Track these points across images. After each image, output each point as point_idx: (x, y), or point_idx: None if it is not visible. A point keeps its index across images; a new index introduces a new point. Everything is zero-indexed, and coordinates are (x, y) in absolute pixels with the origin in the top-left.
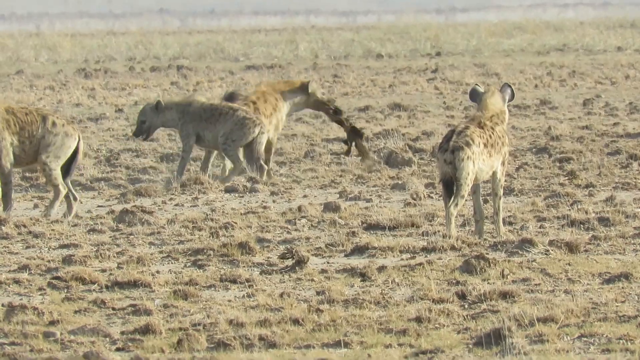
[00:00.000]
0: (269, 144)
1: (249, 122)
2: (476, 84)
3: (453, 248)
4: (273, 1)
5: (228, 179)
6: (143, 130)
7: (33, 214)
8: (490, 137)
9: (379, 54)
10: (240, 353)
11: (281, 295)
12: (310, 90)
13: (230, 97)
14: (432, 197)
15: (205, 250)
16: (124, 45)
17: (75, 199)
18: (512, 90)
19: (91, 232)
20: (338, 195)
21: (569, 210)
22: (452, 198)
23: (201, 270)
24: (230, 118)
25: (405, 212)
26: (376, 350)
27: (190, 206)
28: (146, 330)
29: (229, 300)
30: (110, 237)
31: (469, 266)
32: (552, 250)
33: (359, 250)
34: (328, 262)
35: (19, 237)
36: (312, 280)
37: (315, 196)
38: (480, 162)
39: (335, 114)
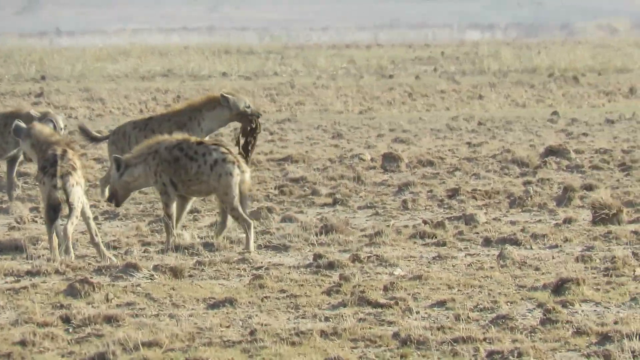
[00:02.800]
0: None
1: None
2: (17, 121)
3: (57, 272)
4: None
5: None
6: None
7: None
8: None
9: None
10: None
11: None
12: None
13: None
14: (36, 221)
15: None
16: None
17: None
18: (54, 123)
19: None
20: None
21: None
22: (68, 219)
23: None
24: None
25: (10, 236)
26: None
27: None
28: None
29: None
30: None
31: (74, 290)
32: (156, 274)
33: None
34: None
35: None
36: None
37: None
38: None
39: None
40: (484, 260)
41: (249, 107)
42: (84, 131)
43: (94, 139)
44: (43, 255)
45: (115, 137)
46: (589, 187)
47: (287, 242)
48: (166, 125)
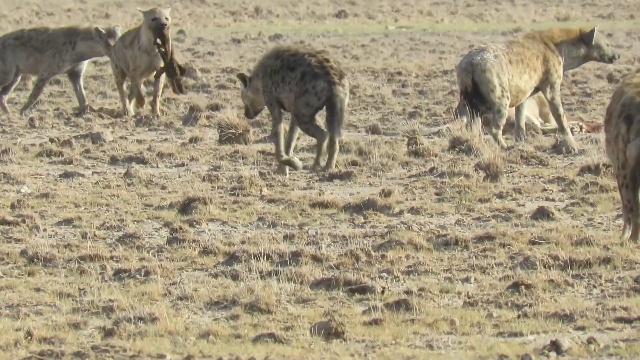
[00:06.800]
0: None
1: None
2: None
3: None
4: None
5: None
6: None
7: None
8: None
9: None
10: None
11: None
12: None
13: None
14: None
15: None
16: None
17: None
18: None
19: None
20: None
21: None
22: None
23: None
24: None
25: None
26: None
27: None
28: None
29: None
30: None
31: None
32: None
33: None
34: None
35: None
36: None
37: None
38: None
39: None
40: (110, 179)
41: (154, 19)
42: None
43: None
44: None
45: None
46: (215, 107)
47: None
48: None
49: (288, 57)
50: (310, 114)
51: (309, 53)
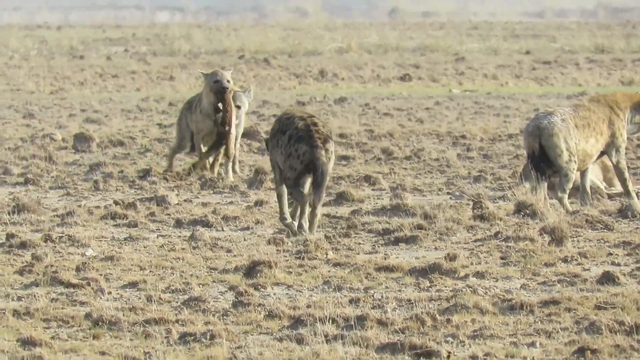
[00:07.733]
0: None
1: None
2: None
3: None
4: None
5: None
6: None
7: None
8: None
9: None
10: None
11: None
12: None
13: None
14: None
15: None
16: None
17: None
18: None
19: None
20: None
21: None
22: None
23: None
24: None
25: None
26: None
27: None
28: None
29: None
30: None
31: None
32: None
33: None
34: None
35: None
36: None
37: None
38: None
39: None
40: (175, 242)
41: (216, 81)
42: None
43: None
44: None
45: None
46: None
47: None
48: None
49: (284, 120)
50: (294, 178)
51: (300, 117)
